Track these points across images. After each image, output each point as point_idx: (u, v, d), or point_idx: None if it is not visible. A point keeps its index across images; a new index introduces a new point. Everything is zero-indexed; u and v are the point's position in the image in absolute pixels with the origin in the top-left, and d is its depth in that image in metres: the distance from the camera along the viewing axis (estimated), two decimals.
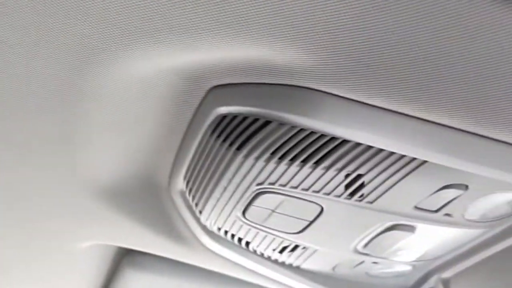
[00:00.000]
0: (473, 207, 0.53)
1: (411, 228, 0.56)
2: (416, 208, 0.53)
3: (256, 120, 0.47)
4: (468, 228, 0.56)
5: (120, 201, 0.64)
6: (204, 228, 0.64)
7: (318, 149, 0.47)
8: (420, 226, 0.56)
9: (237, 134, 0.49)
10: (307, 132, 0.45)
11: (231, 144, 0.49)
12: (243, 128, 0.48)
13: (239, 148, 0.49)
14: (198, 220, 0.63)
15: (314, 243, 0.60)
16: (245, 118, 0.48)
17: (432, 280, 0.71)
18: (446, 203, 0.52)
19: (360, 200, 0.52)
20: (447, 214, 0.53)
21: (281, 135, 0.46)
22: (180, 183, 0.60)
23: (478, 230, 0.57)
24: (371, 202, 0.52)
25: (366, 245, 0.60)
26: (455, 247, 0.62)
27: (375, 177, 0.49)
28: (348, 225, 0.56)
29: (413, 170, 0.48)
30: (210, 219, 0.59)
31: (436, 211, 0.53)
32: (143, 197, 0.64)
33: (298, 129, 0.45)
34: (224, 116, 0.49)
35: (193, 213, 0.62)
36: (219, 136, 0.51)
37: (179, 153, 0.57)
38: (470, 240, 0.61)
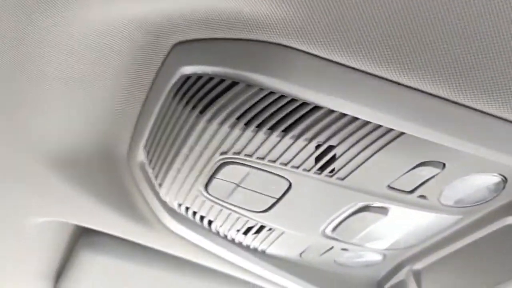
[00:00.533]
0: (450, 190, 0.50)
1: (383, 211, 0.53)
2: (390, 187, 0.49)
3: (222, 81, 0.43)
4: (442, 213, 0.53)
5: (75, 174, 0.59)
6: (164, 204, 0.59)
7: (287, 115, 0.43)
8: (393, 209, 0.53)
9: (201, 96, 0.45)
10: (276, 96, 0.42)
11: (194, 108, 0.45)
12: (208, 90, 0.44)
13: (202, 112, 0.45)
14: (157, 195, 0.58)
15: (281, 224, 0.56)
16: (210, 79, 0.44)
17: (403, 272, 0.68)
18: (421, 183, 0.49)
19: (331, 176, 0.48)
20: (421, 196, 0.50)
21: (248, 98, 0.42)
22: (140, 154, 0.56)
23: (453, 217, 0.55)
24: (342, 179, 0.48)
25: (335, 228, 0.56)
26: (429, 236, 0.60)
27: (348, 149, 0.45)
28: (317, 205, 0.52)
29: (389, 143, 0.44)
30: (170, 193, 0.55)
31: (411, 191, 0.50)
32: (100, 170, 0.59)
33: (266, 92, 0.42)
34: (188, 77, 0.45)
35: (152, 187, 0.58)
36: (182, 98, 0.47)
37: (139, 120, 0.53)
38: (444, 229, 0.58)
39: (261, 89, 0.41)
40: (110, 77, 0.48)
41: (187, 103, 0.46)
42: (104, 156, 0.58)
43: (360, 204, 0.52)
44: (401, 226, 0.56)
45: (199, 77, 0.44)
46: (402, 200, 0.51)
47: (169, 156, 0.51)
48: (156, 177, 0.55)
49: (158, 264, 0.73)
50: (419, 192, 0.50)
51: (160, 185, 0.55)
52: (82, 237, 0.73)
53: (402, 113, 0.40)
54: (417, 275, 0.67)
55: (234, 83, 0.42)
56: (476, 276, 0.60)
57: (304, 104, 0.42)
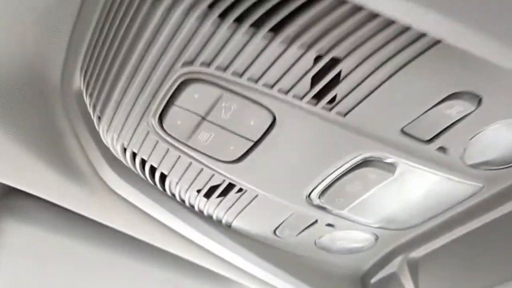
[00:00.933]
0: (478, 143, 0.38)
1: (390, 168, 0.40)
2: (403, 132, 0.37)
3: None
4: (462, 178, 0.42)
5: None
6: (103, 149, 0.46)
7: (279, 5, 0.31)
8: (402, 167, 0.41)
9: None
10: None
11: None
12: None
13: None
14: (95, 134, 0.45)
15: (255, 182, 0.43)
16: None
17: (396, 262, 0.55)
18: (445, 128, 0.37)
19: (330, 109, 0.36)
20: (441, 149, 0.39)
21: None
22: (75, 78, 0.42)
23: (472, 185, 0.43)
24: (344, 114, 0.36)
25: (324, 191, 0.44)
26: (436, 213, 0.48)
27: (357, 66, 0.33)
28: (305, 155, 0.40)
29: (414, 58, 0.32)
30: (111, 130, 0.42)
31: (429, 141, 0.38)
32: (23, 102, 0.45)
33: None
34: None
35: (89, 123, 0.44)
36: None
37: (76, 26, 0.39)
38: (457, 203, 0.46)
39: None
40: None
41: None
42: (27, 82, 0.44)
43: (362, 156, 0.39)
44: (404, 194, 0.44)
45: None
46: (415, 152, 0.39)
47: (111, 73, 0.38)
48: (94, 107, 0.42)
49: (95, 238, 0.58)
50: (439, 142, 0.38)
51: (99, 118, 0.42)
52: (1, 200, 0.58)
53: (445, 9, 0.28)
54: (412, 266, 0.55)
55: None
56: (489, 268, 0.48)
57: None
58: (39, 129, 0.47)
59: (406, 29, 0.31)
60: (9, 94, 0.45)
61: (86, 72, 0.41)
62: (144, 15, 0.32)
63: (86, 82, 0.41)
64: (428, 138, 0.38)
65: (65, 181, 0.50)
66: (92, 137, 0.45)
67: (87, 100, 0.42)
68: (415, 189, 0.43)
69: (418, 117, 0.36)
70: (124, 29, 0.35)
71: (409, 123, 0.37)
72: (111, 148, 0.44)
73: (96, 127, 0.43)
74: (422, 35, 0.31)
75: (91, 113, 0.42)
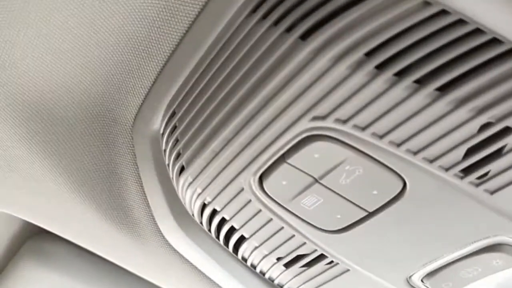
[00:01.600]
0: None
1: None
2: None
3: None
4: None
5: (36, 140, 0.39)
6: (170, 201, 0.39)
7: (452, 63, 0.25)
8: None
9: (302, 13, 0.27)
10: (441, 23, 0.24)
11: (289, 30, 0.27)
12: (317, 3, 0.26)
13: (304, 38, 0.27)
14: (165, 184, 0.38)
15: (353, 256, 0.37)
16: None
17: None
18: None
19: (477, 185, 0.30)
20: None
21: (391, 21, 0.24)
22: (154, 120, 0.36)
23: None
24: (492, 192, 0.30)
25: (430, 275, 0.37)
26: None
27: None
28: (426, 231, 0.34)
29: None
30: (196, 183, 0.35)
31: None
32: (85, 137, 0.39)
33: (428, 12, 0.24)
34: None
35: (159, 170, 0.38)
36: (266, 16, 0.28)
37: (166, 69, 0.34)
38: None
39: (425, 3, 0.24)
40: None
41: (276, 23, 0.28)
42: (93, 118, 0.38)
43: (495, 239, 0.33)
44: None
45: None
46: None
47: (213, 119, 0.32)
48: (177, 155, 0.35)
49: None
50: None
51: (182, 168, 0.35)
52: (30, 239, 0.50)
53: None
54: None
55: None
56: None
57: (492, 43, 0.24)
58: (96, 171, 0.40)
59: None
60: (70, 128, 0.38)
61: (173, 114, 0.35)
62: (283, 52, 0.27)
63: (171, 125, 0.35)
64: None
65: (118, 231, 0.43)
66: (160, 187, 0.39)
67: (167, 146, 0.36)
68: None
69: None
70: (245, 69, 0.29)
71: None
72: (185, 202, 0.38)
73: (173, 177, 0.37)
74: None
75: (170, 161, 0.36)
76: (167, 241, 0.42)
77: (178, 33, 0.32)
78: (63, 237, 0.45)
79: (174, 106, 0.34)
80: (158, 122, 0.36)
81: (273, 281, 0.43)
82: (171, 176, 0.37)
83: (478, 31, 0.24)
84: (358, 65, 0.26)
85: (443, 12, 0.24)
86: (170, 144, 0.35)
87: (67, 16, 0.31)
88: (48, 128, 0.37)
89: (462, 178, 0.29)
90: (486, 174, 0.29)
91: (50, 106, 0.36)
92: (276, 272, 0.41)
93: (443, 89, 0.26)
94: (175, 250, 0.43)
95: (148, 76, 0.35)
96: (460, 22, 0.24)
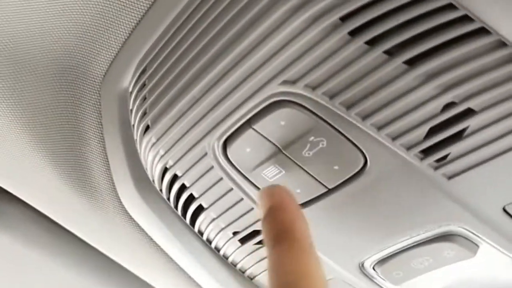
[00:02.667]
0: None
1: (473, 247, 0.35)
2: (504, 211, 0.32)
3: None
4: None
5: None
6: (131, 162, 0.38)
7: (425, 35, 0.26)
8: (484, 249, 0.35)
9: None
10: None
11: None
12: None
13: None
14: (128, 145, 0.37)
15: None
16: None
17: None
18: None
19: (435, 168, 0.30)
20: None
21: None
22: (124, 78, 0.36)
23: None
24: (449, 178, 0.31)
25: (381, 262, 0.38)
26: None
27: (490, 124, 0.28)
28: (382, 213, 0.34)
29: None
30: (159, 144, 0.35)
31: None
32: (50, 88, 0.38)
33: None
34: None
35: (123, 130, 0.37)
36: None
37: (140, 28, 0.33)
38: None
39: None
40: None
41: None
42: (59, 68, 0.37)
43: (448, 228, 0.34)
44: (477, 278, 0.38)
45: None
46: (507, 234, 0.33)
47: (182, 78, 0.31)
48: (144, 114, 0.35)
49: (82, 260, 0.50)
50: None
51: (147, 128, 0.35)
52: None
53: None
54: None
55: None
56: None
57: (464, 20, 0.25)
58: (60, 127, 0.39)
59: None
60: (40, 80, 0.37)
61: (144, 71, 0.34)
62: (258, 11, 0.27)
63: (140, 83, 0.34)
64: None
65: (74, 194, 0.42)
66: (123, 148, 0.38)
67: (134, 105, 0.35)
68: (491, 274, 0.37)
69: None
70: (219, 27, 0.29)
71: None
72: (147, 166, 0.37)
73: (137, 138, 0.36)
74: None
75: (135, 121, 0.36)
76: (125, 210, 0.41)
77: None
78: (17, 196, 0.44)
79: (146, 63, 0.34)
80: (127, 81, 0.36)
81: (227, 258, 0.42)
82: (135, 137, 0.37)
83: (451, 6, 0.25)
84: (333, 28, 0.26)
85: None
86: (137, 102, 0.35)
87: None
88: (15, 74, 0.36)
89: (421, 159, 0.30)
90: (445, 157, 0.30)
91: (21, 51, 0.35)
92: (231, 248, 0.41)
93: (413, 63, 0.26)
94: (132, 219, 0.42)
95: (123, 30, 0.34)
96: None
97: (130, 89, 0.36)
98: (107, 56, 0.36)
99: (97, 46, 0.35)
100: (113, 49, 0.35)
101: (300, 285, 0.25)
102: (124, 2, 0.33)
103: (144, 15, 0.33)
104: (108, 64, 0.36)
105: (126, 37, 0.35)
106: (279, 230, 0.28)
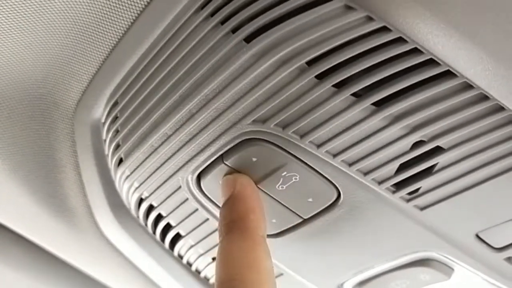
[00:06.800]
0: None
1: (447, 271, 0.35)
2: (477, 237, 0.33)
3: None
4: None
5: None
6: (107, 191, 0.38)
7: (392, 77, 0.26)
8: (459, 272, 0.36)
9: (248, 16, 0.26)
10: (386, 38, 0.24)
11: (234, 31, 0.27)
12: (266, 7, 0.26)
13: (248, 41, 0.26)
14: (104, 174, 0.37)
15: (286, 260, 0.37)
16: None
17: None
18: None
19: (407, 200, 0.30)
20: (508, 259, 0.34)
21: (336, 31, 0.25)
22: (96, 109, 0.35)
23: None
24: (421, 209, 0.31)
25: (361, 284, 0.38)
26: None
27: (458, 161, 0.28)
28: (358, 241, 0.34)
29: None
30: (134, 177, 0.35)
31: (500, 249, 0.33)
32: (23, 119, 0.38)
33: (371, 26, 0.24)
34: None
35: (98, 159, 0.37)
36: (212, 15, 0.28)
37: (111, 58, 0.33)
38: None
39: (369, 18, 0.24)
40: None
41: (223, 23, 0.27)
42: (32, 100, 0.36)
43: (423, 254, 0.34)
44: None
45: None
46: (481, 258, 0.34)
47: (154, 113, 0.31)
48: (117, 147, 0.35)
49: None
50: (509, 252, 0.33)
51: (120, 160, 0.35)
52: None
53: None
54: None
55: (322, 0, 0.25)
56: None
57: (430, 64, 0.25)
58: (34, 156, 0.39)
59: None
60: (9, 110, 0.37)
61: (115, 104, 0.34)
62: (224, 54, 0.27)
63: (113, 115, 0.34)
64: (500, 246, 0.33)
65: (52, 219, 0.42)
66: (99, 177, 0.38)
67: (107, 136, 0.35)
68: None
69: (499, 224, 0.31)
70: (189, 65, 0.29)
71: (486, 228, 0.32)
72: (122, 195, 0.37)
73: (111, 169, 0.36)
74: None
75: (109, 152, 0.35)
76: (103, 233, 0.41)
77: (126, 22, 0.32)
78: None
79: (117, 96, 0.34)
80: (100, 111, 0.35)
81: (208, 280, 0.42)
82: (109, 166, 0.37)
83: (417, 51, 0.25)
84: (299, 72, 0.26)
85: (384, 29, 0.24)
86: (110, 134, 0.35)
87: None
88: None
89: (393, 192, 0.30)
90: (417, 190, 0.30)
91: None
92: (211, 271, 0.41)
93: (380, 105, 0.26)
94: (110, 242, 0.42)
95: (92, 62, 0.34)
96: (400, 40, 0.24)
97: (103, 120, 0.35)
98: (78, 86, 0.35)
99: (67, 76, 0.35)
100: (83, 80, 0.35)
101: (245, 274, 0.25)
102: (93, 36, 0.32)
103: (113, 49, 0.33)
104: (79, 94, 0.36)
105: (96, 69, 0.34)
106: (232, 219, 0.28)
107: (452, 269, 0.35)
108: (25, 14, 0.31)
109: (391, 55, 0.25)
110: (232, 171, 0.31)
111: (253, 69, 0.26)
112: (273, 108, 0.27)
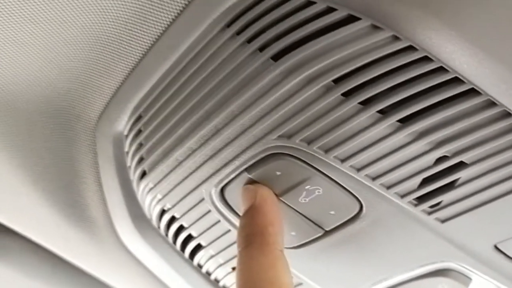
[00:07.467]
0: None
1: (466, 280, 0.36)
2: (496, 248, 0.33)
3: (327, 10, 0.26)
4: None
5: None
6: (129, 203, 0.39)
7: (418, 96, 0.26)
8: (477, 281, 0.36)
9: (275, 34, 0.27)
10: (412, 57, 0.25)
11: (262, 49, 0.27)
12: (294, 25, 0.27)
13: (276, 59, 0.27)
14: (125, 186, 0.38)
15: (307, 272, 0.38)
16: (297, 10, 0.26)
17: None
18: None
19: (429, 213, 0.31)
20: None
21: (364, 50, 0.25)
22: (119, 122, 0.36)
23: None
24: (442, 221, 0.31)
25: None
26: None
27: (480, 176, 0.28)
28: (379, 253, 0.35)
29: None
30: (157, 189, 0.35)
31: None
32: (46, 132, 0.38)
33: (399, 45, 0.25)
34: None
35: (120, 171, 0.37)
36: (239, 33, 0.28)
37: (136, 72, 0.33)
38: None
39: (395, 38, 0.25)
40: None
41: (249, 41, 0.28)
42: (55, 114, 0.37)
43: (443, 265, 0.35)
44: None
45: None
46: (500, 269, 0.34)
47: (180, 128, 0.32)
48: (140, 160, 0.35)
49: None
50: None
51: (144, 173, 0.35)
52: None
53: None
54: None
55: (349, 19, 0.25)
56: None
57: (454, 82, 0.25)
58: (55, 167, 0.40)
59: None
60: (32, 122, 0.38)
61: (139, 118, 0.34)
62: (254, 70, 0.27)
63: (136, 129, 0.35)
64: None
65: (72, 229, 0.42)
66: (120, 188, 0.39)
67: (130, 149, 0.36)
68: None
69: None
70: (215, 82, 0.29)
71: (505, 240, 0.32)
72: (144, 207, 0.38)
73: (134, 180, 0.37)
74: None
75: (132, 164, 0.36)
76: (123, 242, 0.42)
77: (150, 38, 0.32)
78: (17, 231, 0.44)
79: (141, 110, 0.34)
80: (122, 124, 0.36)
81: None
82: (131, 178, 0.37)
83: (442, 69, 0.25)
84: (326, 90, 0.26)
85: (411, 48, 0.25)
86: (133, 147, 0.35)
87: (37, 10, 0.31)
88: (7, 120, 0.37)
89: (416, 205, 0.30)
90: (438, 203, 0.30)
91: (12, 97, 0.35)
92: (230, 280, 0.41)
93: (405, 121, 0.27)
94: (130, 252, 0.43)
95: (116, 76, 0.34)
96: (426, 59, 0.25)
97: (126, 133, 0.36)
98: (101, 100, 0.36)
99: (90, 90, 0.36)
100: (106, 94, 0.36)
101: None
102: (117, 51, 0.33)
103: (137, 64, 0.33)
104: (102, 108, 0.36)
105: (120, 83, 0.35)
106: (252, 232, 0.29)
107: (470, 279, 0.36)
108: (48, 31, 0.32)
109: (417, 73, 0.25)
110: (255, 181, 0.32)
111: (280, 87, 0.27)
112: (299, 124, 0.28)
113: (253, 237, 0.29)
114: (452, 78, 0.25)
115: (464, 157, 0.28)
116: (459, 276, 0.35)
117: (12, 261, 0.48)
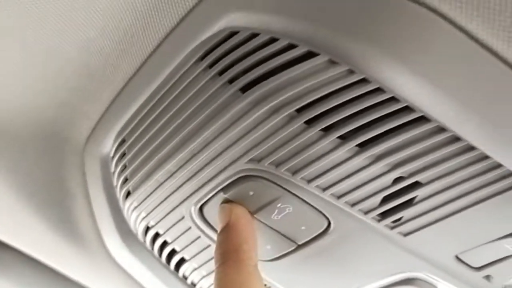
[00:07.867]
0: None
1: None
2: (457, 258, 0.36)
3: (289, 46, 0.28)
4: None
5: None
6: (117, 219, 0.41)
7: (374, 122, 0.29)
8: (441, 286, 0.39)
9: (246, 66, 0.29)
10: (367, 88, 0.27)
11: (231, 82, 0.30)
12: (262, 59, 0.29)
13: (244, 90, 0.30)
14: (112, 203, 0.40)
15: (284, 282, 0.40)
16: (265, 44, 0.29)
17: None
18: (497, 260, 0.35)
19: (392, 228, 0.33)
20: (487, 277, 0.37)
21: (324, 82, 0.28)
22: (105, 144, 0.38)
23: None
24: (404, 235, 0.34)
25: None
26: None
27: (436, 193, 0.31)
28: (348, 265, 0.37)
29: (495, 195, 0.31)
30: (141, 208, 0.38)
31: (478, 269, 0.36)
32: (37, 155, 0.41)
33: (355, 77, 0.27)
34: (230, 34, 0.30)
35: (107, 190, 0.40)
36: (211, 66, 0.31)
37: (120, 98, 0.36)
38: None
39: (350, 72, 0.27)
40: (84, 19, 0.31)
41: (220, 74, 0.30)
42: (45, 136, 0.39)
43: (407, 275, 0.37)
44: None
45: (253, 34, 0.29)
46: (461, 277, 0.37)
47: (160, 151, 0.34)
48: (125, 180, 0.38)
49: None
50: (487, 271, 0.36)
51: (128, 193, 0.38)
52: None
53: None
54: None
55: (309, 55, 0.28)
56: None
57: (406, 110, 0.28)
58: (47, 186, 0.42)
59: (498, 165, 0.29)
60: (23, 145, 0.40)
61: (123, 142, 0.37)
62: (224, 101, 0.30)
63: (121, 152, 0.37)
64: (479, 266, 0.36)
65: (65, 243, 0.45)
66: (108, 205, 0.41)
67: (116, 170, 0.38)
68: None
69: (477, 247, 0.34)
70: (190, 111, 0.32)
71: (465, 251, 0.35)
72: (130, 223, 0.40)
73: (120, 199, 0.39)
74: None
75: (118, 184, 0.38)
76: (112, 256, 0.44)
77: (131, 68, 0.35)
78: (13, 245, 0.47)
79: (124, 134, 0.37)
80: (108, 146, 0.38)
81: None
82: (118, 197, 0.40)
83: (393, 99, 0.28)
84: (290, 119, 0.29)
85: (364, 80, 0.27)
86: (118, 168, 0.38)
87: (28, 44, 0.33)
88: (1, 145, 0.39)
89: (379, 221, 0.33)
90: (400, 219, 0.33)
91: (5, 124, 0.38)
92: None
93: (363, 146, 0.29)
94: (119, 264, 0.45)
95: (101, 103, 0.37)
96: (379, 90, 0.27)
97: (111, 155, 0.38)
98: (88, 124, 0.38)
99: (78, 115, 0.38)
100: (93, 118, 0.38)
101: None
102: (101, 79, 0.35)
103: (120, 92, 0.36)
104: (89, 131, 0.39)
105: (105, 108, 0.37)
106: (227, 249, 0.31)
107: (435, 287, 0.38)
108: (35, 63, 0.34)
109: (371, 103, 0.28)
110: (230, 201, 0.34)
111: (248, 116, 0.29)
112: (267, 149, 0.30)
113: (228, 254, 0.31)
114: (403, 107, 0.28)
115: (419, 177, 0.30)
116: (424, 284, 0.38)
117: (9, 275, 0.50)
